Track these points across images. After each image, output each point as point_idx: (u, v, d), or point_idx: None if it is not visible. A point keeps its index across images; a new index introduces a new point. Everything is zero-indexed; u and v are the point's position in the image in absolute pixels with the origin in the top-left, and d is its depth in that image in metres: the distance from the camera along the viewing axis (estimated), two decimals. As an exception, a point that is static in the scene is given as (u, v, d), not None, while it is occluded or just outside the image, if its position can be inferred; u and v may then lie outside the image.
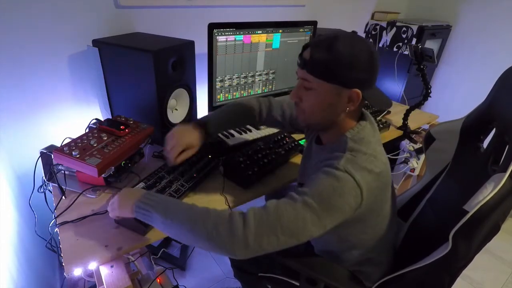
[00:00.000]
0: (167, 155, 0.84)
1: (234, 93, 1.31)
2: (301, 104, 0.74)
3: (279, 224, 0.61)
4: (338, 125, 0.74)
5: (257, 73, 1.34)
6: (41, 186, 0.95)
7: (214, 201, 0.93)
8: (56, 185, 0.90)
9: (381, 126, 1.42)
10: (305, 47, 0.70)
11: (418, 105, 1.43)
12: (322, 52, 0.65)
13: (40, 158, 0.93)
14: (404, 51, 2.03)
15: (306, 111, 0.74)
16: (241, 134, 1.25)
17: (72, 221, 0.81)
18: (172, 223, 0.64)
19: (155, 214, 0.65)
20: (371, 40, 2.21)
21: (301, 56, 0.70)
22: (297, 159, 1.18)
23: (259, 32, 1.24)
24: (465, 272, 0.72)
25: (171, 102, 1.14)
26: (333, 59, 0.65)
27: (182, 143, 0.83)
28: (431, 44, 2.11)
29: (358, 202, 0.66)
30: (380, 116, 1.55)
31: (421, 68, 1.35)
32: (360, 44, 0.65)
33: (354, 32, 0.69)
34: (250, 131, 1.28)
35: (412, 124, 1.51)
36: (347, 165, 0.65)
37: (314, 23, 1.40)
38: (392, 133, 1.47)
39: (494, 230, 0.65)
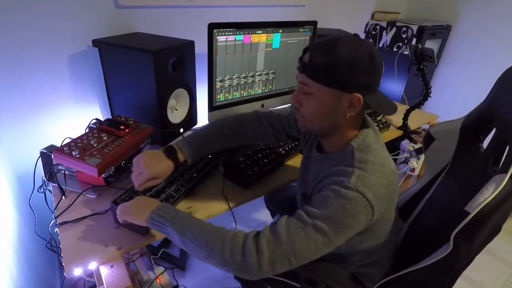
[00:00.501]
0: (132, 180, 0.79)
1: (234, 93, 1.30)
2: (301, 109, 0.72)
3: (293, 251, 0.62)
4: (339, 132, 0.72)
5: (257, 73, 1.33)
6: (41, 186, 0.95)
7: (214, 201, 0.93)
8: (56, 185, 0.90)
9: (381, 126, 1.42)
10: (305, 51, 0.68)
11: (418, 105, 1.43)
12: (322, 55, 0.64)
13: (40, 158, 0.93)
14: (404, 51, 2.03)
15: (306, 117, 0.72)
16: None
17: (72, 221, 0.81)
18: (188, 243, 0.66)
19: (171, 230, 0.67)
20: (371, 40, 2.21)
21: (301, 59, 0.68)
22: (297, 159, 1.18)
23: (259, 32, 1.24)
24: (465, 272, 0.72)
25: (171, 102, 1.14)
26: (333, 62, 0.63)
27: (149, 173, 0.77)
28: (431, 44, 2.11)
29: (369, 219, 0.65)
30: (380, 116, 1.55)
31: (421, 68, 1.35)
32: (362, 47, 0.63)
33: (356, 35, 0.69)
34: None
35: (412, 124, 1.50)
36: (357, 183, 0.63)
37: (314, 23, 1.40)
38: (392, 133, 1.47)
39: (495, 231, 0.65)
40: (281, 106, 1.56)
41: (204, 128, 0.93)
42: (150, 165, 0.78)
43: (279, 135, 0.98)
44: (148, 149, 1.12)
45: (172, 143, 0.86)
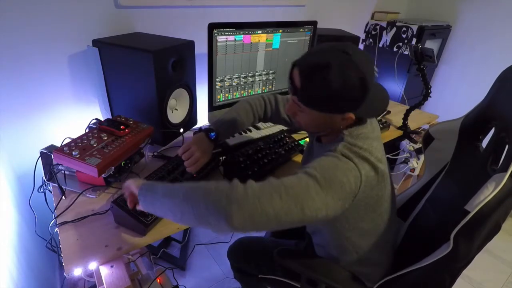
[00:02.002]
0: (189, 166, 0.87)
1: (234, 93, 1.31)
2: (296, 118, 0.76)
3: (283, 185, 0.60)
4: (336, 132, 0.75)
5: (257, 73, 1.34)
6: (41, 186, 0.95)
7: (214, 201, 0.93)
8: (56, 185, 0.90)
9: (381, 126, 1.42)
10: (293, 65, 0.68)
11: (418, 105, 1.43)
12: (313, 86, 0.64)
13: (40, 158, 0.93)
14: (404, 51, 2.03)
15: (301, 125, 0.76)
16: (241, 134, 1.25)
17: (72, 221, 0.81)
18: (173, 192, 0.62)
19: (159, 187, 0.66)
20: (371, 40, 2.21)
21: (291, 79, 0.68)
22: (297, 159, 1.19)
23: (259, 32, 1.24)
24: (465, 272, 0.72)
25: (171, 102, 1.14)
26: (325, 93, 0.63)
27: (206, 159, 0.89)
28: (431, 44, 2.11)
29: (358, 184, 0.66)
30: (380, 116, 1.55)
31: (421, 68, 1.35)
32: (353, 73, 0.62)
33: (346, 53, 0.63)
34: (250, 131, 1.28)
35: (412, 124, 1.51)
36: (344, 150, 0.67)
37: (314, 23, 1.40)
38: (392, 133, 1.47)
39: (495, 230, 0.65)
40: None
41: (234, 110, 0.99)
42: (203, 152, 0.88)
43: (290, 120, 1.02)
44: (148, 149, 1.12)
45: (211, 125, 0.94)
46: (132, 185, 0.70)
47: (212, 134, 0.92)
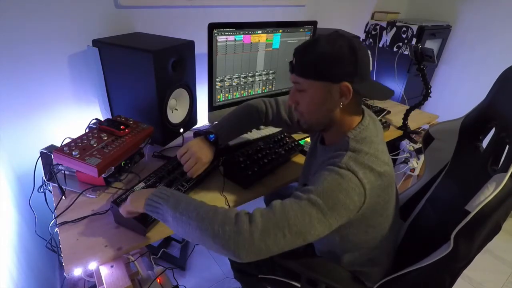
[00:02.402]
0: (188, 170, 0.88)
1: (234, 93, 1.30)
2: (298, 107, 0.76)
3: (286, 221, 0.60)
4: (338, 123, 0.75)
5: (257, 73, 1.34)
6: (41, 186, 0.95)
7: (214, 201, 0.93)
8: (56, 185, 0.90)
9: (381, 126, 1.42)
10: (294, 54, 0.74)
11: (418, 105, 1.43)
12: (306, 54, 0.70)
13: (40, 158, 0.93)
14: (404, 51, 2.03)
15: (304, 113, 0.76)
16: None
17: (72, 221, 0.81)
18: (180, 218, 0.63)
19: (166, 207, 0.66)
20: (371, 40, 2.21)
21: (290, 62, 0.74)
22: (297, 159, 1.19)
23: (259, 32, 1.24)
24: (465, 272, 0.72)
25: (171, 102, 1.14)
26: (316, 58, 0.68)
27: (205, 162, 0.90)
28: (431, 44, 2.11)
29: (362, 200, 0.66)
30: (380, 116, 1.55)
31: (421, 68, 1.35)
32: (340, 40, 0.67)
33: (336, 31, 0.72)
34: (250, 131, 1.28)
35: (412, 124, 1.51)
36: (349, 163, 0.66)
37: (314, 23, 1.40)
38: (392, 133, 1.47)
39: (496, 230, 0.65)
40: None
41: (234, 113, 1.01)
42: (204, 155, 0.89)
43: (291, 123, 1.03)
44: (148, 149, 1.12)
45: (210, 128, 0.95)
46: (134, 204, 0.71)
47: (211, 136, 0.92)
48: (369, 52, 0.72)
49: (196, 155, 0.87)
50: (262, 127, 1.32)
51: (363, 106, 0.79)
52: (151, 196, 0.69)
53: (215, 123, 0.98)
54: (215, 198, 0.94)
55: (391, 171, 0.73)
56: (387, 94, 0.74)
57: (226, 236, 0.59)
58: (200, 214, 0.63)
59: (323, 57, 0.67)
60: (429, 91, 1.36)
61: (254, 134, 1.26)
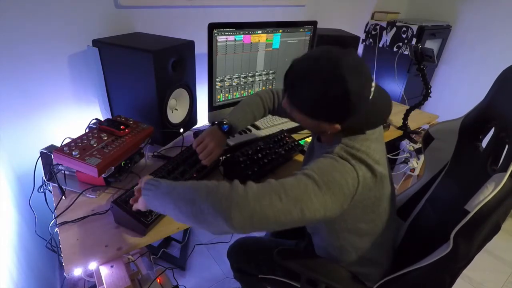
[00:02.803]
0: (204, 157, 0.92)
1: (234, 93, 1.31)
2: (292, 113, 0.75)
3: (283, 187, 0.60)
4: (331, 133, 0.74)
5: (257, 73, 1.34)
6: (41, 186, 0.95)
7: (214, 201, 0.93)
8: (56, 185, 0.90)
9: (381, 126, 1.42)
10: (284, 80, 0.71)
11: (418, 105, 1.43)
12: (296, 92, 0.68)
13: (40, 158, 0.93)
14: (404, 51, 2.03)
15: (296, 120, 0.77)
16: (241, 134, 1.25)
17: (72, 221, 0.81)
18: (177, 199, 0.62)
19: (164, 184, 0.66)
20: (371, 40, 2.20)
21: (285, 80, 0.71)
22: (297, 159, 1.19)
23: (259, 32, 1.24)
24: (465, 272, 0.72)
25: (171, 102, 1.14)
26: (306, 101, 0.67)
27: (220, 151, 0.94)
28: (431, 44, 2.11)
29: (355, 185, 0.66)
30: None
31: (421, 68, 1.35)
32: (336, 84, 0.61)
33: (336, 63, 0.61)
34: (250, 131, 1.28)
35: (412, 124, 1.51)
36: (340, 152, 0.68)
37: (314, 23, 1.40)
38: (392, 133, 1.47)
39: (495, 230, 0.65)
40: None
41: (245, 103, 1.03)
42: (217, 143, 0.92)
43: None
44: (148, 149, 1.12)
45: (224, 118, 0.97)
46: (142, 181, 0.71)
47: (225, 126, 0.95)
48: (370, 69, 0.67)
49: (211, 144, 0.91)
50: (262, 127, 1.32)
51: None
52: (147, 180, 0.69)
53: (228, 113, 1.01)
54: (215, 198, 0.94)
55: (383, 170, 0.72)
56: (379, 121, 0.76)
57: (220, 194, 0.58)
58: (194, 185, 0.63)
59: (314, 103, 0.66)
60: (429, 91, 1.36)
61: (253, 134, 1.26)
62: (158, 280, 0.92)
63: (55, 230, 0.80)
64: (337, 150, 0.69)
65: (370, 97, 0.66)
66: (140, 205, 0.71)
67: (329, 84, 0.62)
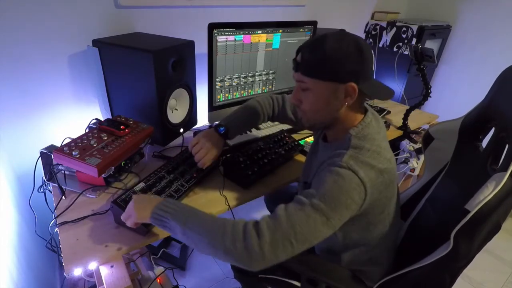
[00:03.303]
0: (199, 159, 0.90)
1: (234, 93, 1.31)
2: (301, 106, 0.75)
3: (293, 231, 0.62)
4: (341, 121, 0.75)
5: (257, 73, 1.34)
6: (41, 186, 0.95)
7: (214, 201, 0.93)
8: (56, 185, 0.90)
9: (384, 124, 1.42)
10: (298, 51, 0.72)
11: (418, 105, 1.43)
12: (312, 52, 0.68)
13: (40, 158, 0.93)
14: (404, 51, 2.03)
15: (307, 112, 0.75)
16: (241, 134, 1.25)
17: (72, 221, 0.81)
18: (190, 233, 0.65)
19: (174, 223, 0.66)
20: (371, 40, 2.21)
21: (295, 60, 0.73)
22: (297, 159, 1.18)
23: (259, 32, 1.24)
24: (465, 272, 0.72)
25: (171, 102, 1.14)
26: (322, 57, 0.67)
27: (218, 152, 0.92)
28: (431, 44, 2.11)
29: (362, 197, 0.66)
30: (380, 116, 1.55)
31: (421, 68, 1.35)
32: (347, 39, 0.67)
33: (342, 30, 0.71)
34: (250, 131, 1.28)
35: (412, 124, 1.51)
36: (349, 162, 0.66)
37: (314, 23, 1.40)
38: (392, 133, 1.47)
39: (495, 229, 0.65)
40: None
41: (242, 109, 1.02)
42: (214, 146, 0.91)
43: (296, 119, 1.05)
44: (148, 149, 1.12)
45: (221, 121, 0.96)
46: (139, 214, 0.70)
47: (221, 128, 0.94)
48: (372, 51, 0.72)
49: (207, 145, 0.90)
50: (262, 127, 1.32)
51: (365, 104, 0.79)
52: (156, 210, 0.69)
53: (225, 117, 0.99)
54: (215, 198, 0.94)
55: (392, 168, 0.73)
56: (389, 94, 0.73)
57: (238, 252, 0.61)
58: (210, 232, 0.64)
59: (330, 56, 0.66)
60: (429, 91, 1.36)
61: (254, 134, 1.26)
62: (158, 280, 0.92)
63: (55, 230, 0.80)
64: (346, 159, 0.67)
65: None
66: (133, 221, 0.72)
67: (341, 39, 0.67)
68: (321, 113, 0.74)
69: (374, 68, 0.73)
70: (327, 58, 0.66)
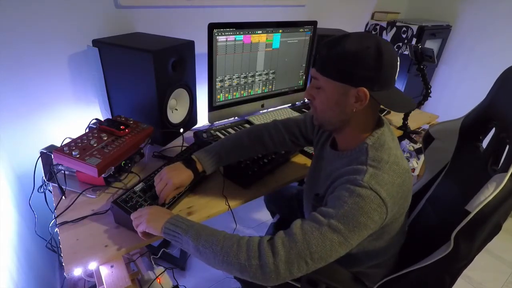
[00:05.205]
0: (158, 194, 0.83)
1: (234, 93, 1.31)
2: (313, 102, 0.73)
3: (308, 251, 0.60)
4: (351, 126, 0.71)
5: (257, 73, 1.34)
6: (41, 186, 0.95)
7: (214, 201, 0.93)
8: (56, 185, 0.90)
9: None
10: (318, 46, 0.71)
11: (418, 105, 1.43)
12: (329, 50, 0.65)
13: (40, 158, 0.93)
14: (404, 51, 2.03)
15: (317, 109, 0.73)
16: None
17: (72, 221, 0.81)
18: (203, 250, 0.64)
19: (186, 238, 0.66)
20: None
21: (315, 55, 0.71)
22: (297, 159, 1.18)
23: (259, 32, 1.24)
24: (465, 272, 0.72)
25: (171, 102, 1.14)
26: (337, 54, 0.64)
27: (175, 183, 0.82)
28: (431, 44, 2.11)
29: (383, 218, 0.64)
30: (383, 114, 1.55)
31: (421, 68, 1.35)
32: (369, 41, 0.63)
33: (368, 31, 0.69)
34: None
35: (412, 124, 1.51)
36: (371, 181, 0.62)
37: (314, 23, 1.40)
38: (392, 133, 1.47)
39: (496, 230, 0.65)
40: (281, 106, 1.56)
41: (223, 139, 0.97)
42: (174, 176, 0.82)
43: (296, 139, 0.99)
44: (148, 149, 1.12)
45: (193, 154, 0.89)
46: (151, 225, 0.70)
47: (189, 159, 0.88)
48: (398, 58, 0.67)
49: (167, 177, 0.82)
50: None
51: None
52: (169, 224, 0.69)
53: (202, 149, 0.92)
54: (215, 198, 0.94)
55: (410, 177, 0.70)
56: (407, 107, 0.68)
57: (253, 269, 0.61)
58: (224, 248, 0.63)
59: (346, 56, 0.63)
60: (429, 91, 1.36)
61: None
62: (158, 280, 0.92)
63: (55, 230, 0.80)
64: (367, 179, 0.63)
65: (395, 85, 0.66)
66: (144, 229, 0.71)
67: (365, 40, 0.63)
68: (329, 113, 0.71)
69: (396, 76, 0.68)
70: (342, 58, 0.64)
